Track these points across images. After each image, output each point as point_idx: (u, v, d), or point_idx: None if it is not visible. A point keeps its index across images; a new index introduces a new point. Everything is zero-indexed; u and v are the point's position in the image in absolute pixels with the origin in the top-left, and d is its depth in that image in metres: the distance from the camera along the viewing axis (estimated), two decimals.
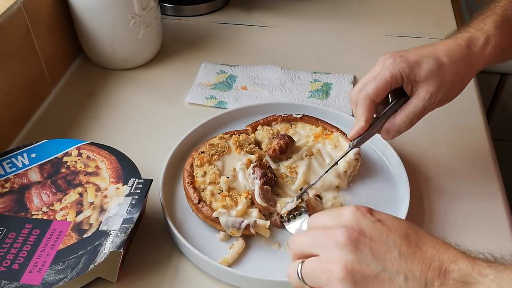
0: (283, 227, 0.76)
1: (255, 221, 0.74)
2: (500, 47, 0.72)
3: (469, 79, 0.73)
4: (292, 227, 0.75)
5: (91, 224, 0.71)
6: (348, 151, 0.77)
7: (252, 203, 0.76)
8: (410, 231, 0.52)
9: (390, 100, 0.75)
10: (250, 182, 0.79)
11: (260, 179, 0.78)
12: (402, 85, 0.72)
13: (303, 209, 0.76)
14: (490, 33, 0.72)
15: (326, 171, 0.78)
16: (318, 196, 0.79)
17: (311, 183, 0.78)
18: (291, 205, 0.75)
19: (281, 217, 0.75)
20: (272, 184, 0.79)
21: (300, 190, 0.79)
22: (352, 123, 0.92)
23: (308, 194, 0.78)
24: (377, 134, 0.76)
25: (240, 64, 1.11)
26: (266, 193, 0.76)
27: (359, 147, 0.83)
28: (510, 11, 0.75)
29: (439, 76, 0.69)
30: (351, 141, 0.75)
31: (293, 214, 0.76)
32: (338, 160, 0.78)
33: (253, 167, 0.80)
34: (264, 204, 0.75)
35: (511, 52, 0.77)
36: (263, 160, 0.82)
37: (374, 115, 0.74)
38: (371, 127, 0.74)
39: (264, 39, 1.22)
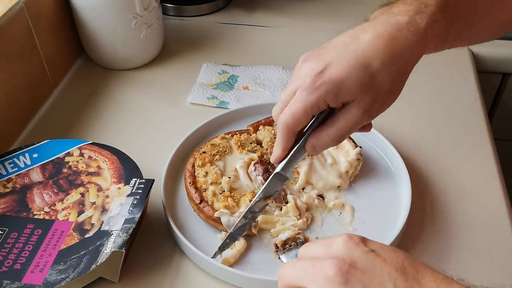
0: (278, 257, 0.73)
1: (257, 221, 0.74)
2: (441, 36, 0.61)
3: (407, 77, 0.61)
4: (286, 258, 0.71)
5: (92, 224, 0.71)
6: (271, 179, 0.65)
7: None
8: (407, 263, 0.46)
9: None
10: (252, 179, 0.79)
11: (262, 176, 0.78)
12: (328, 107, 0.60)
13: (300, 240, 0.73)
14: (433, 19, 0.59)
15: (251, 205, 0.67)
16: (321, 196, 0.79)
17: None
18: (287, 234, 0.73)
19: (277, 246, 0.73)
20: None
21: (302, 189, 0.79)
22: None
23: (308, 193, 0.77)
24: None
25: (242, 64, 1.11)
26: (260, 167, 0.76)
27: (361, 147, 0.83)
28: None
29: (372, 90, 0.58)
30: (275, 163, 0.66)
31: (290, 244, 0.73)
32: (263, 189, 0.66)
33: (254, 163, 0.80)
34: (279, 204, 0.75)
35: (452, 43, 0.66)
36: (264, 157, 0.82)
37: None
38: (296, 148, 0.64)
39: (266, 39, 1.22)
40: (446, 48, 0.66)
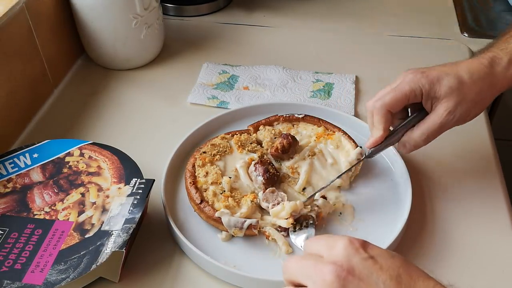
0: (288, 235, 0.74)
1: (257, 221, 0.74)
2: None
3: (491, 99, 0.73)
4: (296, 239, 0.73)
5: (93, 224, 0.72)
6: (362, 160, 0.78)
7: (258, 207, 0.77)
8: (402, 271, 0.48)
9: (409, 115, 0.75)
10: (253, 179, 0.79)
11: (262, 176, 0.78)
12: (422, 101, 0.72)
13: (311, 221, 0.74)
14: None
15: (338, 177, 0.79)
16: (324, 197, 0.79)
17: (320, 188, 0.78)
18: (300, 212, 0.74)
19: (284, 229, 0.74)
20: (275, 180, 0.79)
21: (303, 190, 0.79)
22: (354, 123, 0.93)
23: (317, 199, 0.77)
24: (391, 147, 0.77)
25: (242, 64, 1.11)
26: (271, 195, 0.76)
27: (361, 147, 0.83)
28: None
29: (459, 94, 0.69)
30: (369, 149, 0.76)
31: (301, 223, 0.74)
32: (352, 167, 0.79)
33: (255, 164, 0.80)
34: (271, 209, 0.75)
35: None
36: (265, 157, 0.82)
37: (391, 128, 0.75)
38: (388, 138, 0.75)
39: (266, 39, 1.22)
40: None
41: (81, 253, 0.68)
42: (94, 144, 0.83)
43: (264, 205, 0.76)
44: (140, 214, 0.71)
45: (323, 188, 0.78)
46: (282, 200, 0.76)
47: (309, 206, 0.75)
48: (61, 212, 0.74)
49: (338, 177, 0.79)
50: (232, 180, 0.79)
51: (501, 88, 0.72)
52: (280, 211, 0.74)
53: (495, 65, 0.71)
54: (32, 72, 0.98)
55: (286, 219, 0.73)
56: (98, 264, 0.66)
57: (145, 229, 0.78)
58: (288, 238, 0.74)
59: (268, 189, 0.77)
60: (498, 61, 0.71)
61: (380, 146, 0.75)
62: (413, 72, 0.72)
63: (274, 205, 0.75)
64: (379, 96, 0.73)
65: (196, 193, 0.77)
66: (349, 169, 0.80)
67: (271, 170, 0.79)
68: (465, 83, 0.70)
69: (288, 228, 0.74)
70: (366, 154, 0.78)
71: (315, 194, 0.78)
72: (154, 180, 0.77)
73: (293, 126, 0.90)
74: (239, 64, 1.11)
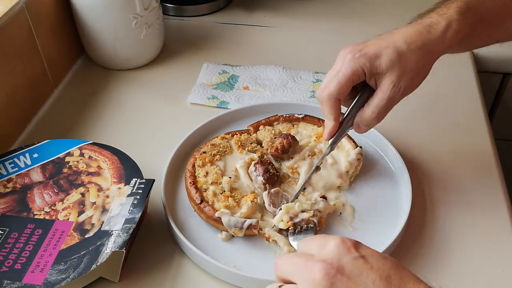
0: (287, 236, 0.74)
1: (258, 221, 0.74)
2: (462, 33, 0.71)
3: (431, 65, 0.72)
4: (294, 241, 0.72)
5: (93, 224, 0.72)
6: (328, 153, 0.77)
7: (258, 207, 0.77)
8: (393, 272, 0.48)
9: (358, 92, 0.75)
10: (253, 179, 0.79)
11: (262, 176, 0.78)
12: (365, 80, 0.72)
13: (312, 225, 0.73)
14: (452, 18, 0.70)
15: (308, 176, 0.79)
16: (324, 197, 0.79)
17: (299, 189, 0.78)
18: (301, 216, 0.74)
19: (284, 230, 0.74)
20: (274, 180, 0.79)
21: (303, 190, 0.79)
22: None
23: (319, 204, 0.77)
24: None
25: (242, 64, 1.11)
26: (276, 197, 0.76)
27: (361, 147, 0.83)
28: None
29: (400, 66, 0.69)
30: (327, 141, 0.76)
31: (301, 226, 0.73)
32: (319, 164, 0.79)
33: (255, 164, 0.80)
34: (276, 211, 0.75)
35: (475, 41, 0.77)
36: (265, 157, 0.82)
37: (344, 112, 0.75)
38: (343, 124, 0.75)
39: (266, 39, 1.22)
40: (468, 48, 0.79)
41: (81, 253, 0.68)
42: (94, 144, 0.83)
43: (270, 209, 0.76)
44: (140, 214, 0.71)
45: (300, 190, 0.78)
46: (286, 202, 0.75)
47: (311, 211, 0.74)
48: (61, 212, 0.74)
49: (307, 176, 0.79)
50: (232, 180, 0.79)
51: (439, 53, 0.72)
52: (281, 218, 0.74)
53: (432, 31, 0.70)
54: (32, 72, 0.98)
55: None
56: (98, 264, 0.66)
57: (145, 229, 0.78)
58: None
59: (272, 190, 0.76)
60: (435, 26, 0.70)
61: (338, 133, 0.75)
62: (351, 50, 0.71)
63: (281, 209, 0.75)
64: (325, 85, 0.72)
65: (196, 193, 0.77)
66: (317, 168, 0.79)
67: (271, 170, 0.79)
68: (404, 54, 0.69)
69: (288, 230, 0.74)
70: (328, 148, 0.76)
71: (299, 192, 0.78)
72: (154, 180, 0.77)
73: (293, 126, 0.90)
74: (239, 64, 1.11)
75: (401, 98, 0.72)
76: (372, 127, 0.74)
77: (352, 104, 0.74)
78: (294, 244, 0.72)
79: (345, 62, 0.71)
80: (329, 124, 0.74)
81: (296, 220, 0.73)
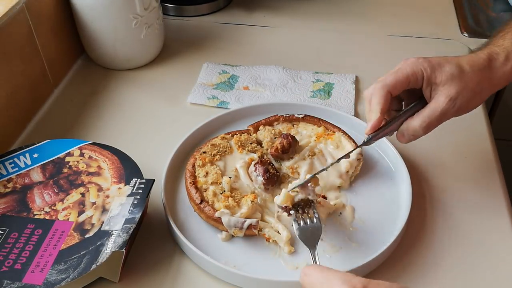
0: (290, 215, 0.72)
1: (258, 221, 0.74)
2: None
3: (489, 93, 0.72)
4: (297, 228, 0.70)
5: (93, 224, 0.72)
6: (361, 145, 0.75)
7: (258, 207, 0.77)
8: None
9: (403, 108, 0.74)
10: (253, 179, 0.79)
11: (262, 176, 0.78)
12: (422, 87, 0.71)
13: (313, 204, 0.71)
14: (510, 50, 0.71)
15: (338, 160, 0.76)
16: (324, 197, 0.79)
17: (314, 173, 0.75)
18: (299, 196, 0.72)
19: (285, 209, 0.72)
20: (274, 180, 0.79)
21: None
22: (354, 123, 0.92)
23: (314, 193, 0.76)
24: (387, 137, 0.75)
25: (242, 64, 1.11)
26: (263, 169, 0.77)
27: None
28: None
29: (460, 82, 0.69)
30: (367, 135, 0.73)
31: (302, 205, 0.71)
32: (350, 152, 0.77)
33: (255, 164, 0.80)
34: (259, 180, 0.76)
35: None
36: (265, 157, 0.82)
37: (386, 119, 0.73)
38: (386, 126, 0.73)
39: (266, 39, 1.22)
40: None
41: (81, 253, 0.68)
42: (94, 144, 0.83)
43: (253, 174, 0.77)
44: (140, 214, 0.71)
45: (316, 173, 0.74)
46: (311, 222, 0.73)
47: (306, 189, 0.72)
48: (61, 212, 0.74)
49: (334, 163, 0.76)
50: (232, 180, 0.79)
51: (499, 83, 0.72)
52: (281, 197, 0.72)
53: (493, 60, 0.71)
54: (32, 72, 0.98)
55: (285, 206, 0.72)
56: (98, 264, 0.66)
57: (145, 229, 0.78)
58: (291, 228, 0.73)
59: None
60: (495, 56, 0.71)
61: (377, 133, 0.72)
62: (415, 57, 0.71)
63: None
64: (381, 79, 0.71)
65: (196, 193, 0.77)
66: (347, 155, 0.76)
67: (271, 170, 0.79)
68: (466, 72, 0.69)
69: (288, 208, 0.71)
70: (364, 141, 0.74)
71: (310, 178, 0.74)
72: (154, 180, 0.77)
73: (293, 126, 0.90)
74: (239, 64, 1.11)
75: (452, 116, 0.71)
76: (416, 139, 0.73)
77: (403, 111, 0.73)
78: (296, 231, 0.69)
79: (406, 63, 0.71)
80: (375, 116, 0.71)
81: (295, 199, 0.71)
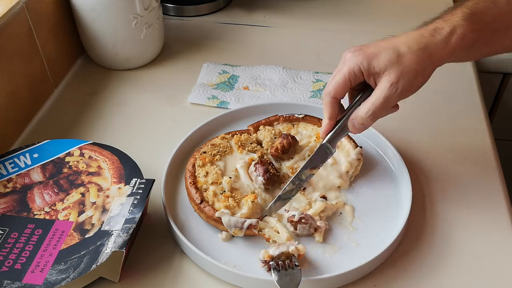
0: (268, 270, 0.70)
1: (258, 221, 0.74)
2: (466, 39, 0.70)
3: (432, 69, 0.71)
4: (278, 278, 0.67)
5: (93, 224, 0.72)
6: (318, 150, 0.75)
7: (259, 207, 0.77)
8: None
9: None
10: (253, 179, 0.79)
11: (262, 176, 0.78)
12: (364, 80, 0.71)
13: (294, 258, 0.70)
14: (456, 24, 0.70)
15: (298, 173, 0.76)
16: (324, 197, 0.79)
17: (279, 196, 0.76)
18: (280, 250, 0.70)
19: (265, 262, 0.70)
20: (275, 180, 0.79)
21: (303, 189, 0.79)
22: None
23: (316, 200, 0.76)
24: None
25: (242, 64, 1.11)
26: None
27: (361, 147, 0.83)
28: (482, 5, 0.72)
29: (399, 66, 0.68)
30: (321, 139, 0.75)
31: (282, 259, 0.70)
32: (309, 160, 0.76)
33: (255, 164, 0.80)
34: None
35: (482, 48, 0.75)
36: (265, 157, 0.82)
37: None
38: (339, 123, 0.74)
39: (266, 39, 1.22)
40: (474, 55, 0.77)
41: (81, 253, 0.68)
42: (94, 144, 0.83)
43: (253, 174, 0.78)
44: (140, 214, 0.71)
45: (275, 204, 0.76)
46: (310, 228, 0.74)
47: (290, 242, 0.72)
48: (61, 212, 0.74)
49: (298, 173, 0.76)
50: (232, 180, 0.79)
51: (441, 58, 0.70)
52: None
53: (435, 35, 0.70)
54: (32, 72, 0.98)
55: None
56: (98, 264, 0.66)
57: (145, 229, 0.78)
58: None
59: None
60: (439, 31, 0.70)
61: (333, 133, 0.74)
62: (351, 51, 0.71)
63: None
64: (327, 84, 0.73)
65: (196, 193, 0.77)
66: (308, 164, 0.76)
67: (271, 170, 0.79)
68: (403, 55, 0.68)
69: (268, 262, 0.70)
70: (324, 142, 0.74)
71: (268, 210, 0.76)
72: (154, 180, 0.77)
73: (293, 126, 0.90)
74: (239, 64, 1.11)
75: (398, 100, 0.71)
76: (366, 127, 0.72)
77: (351, 104, 0.74)
78: (275, 278, 0.68)
79: (344, 62, 0.72)
80: (324, 122, 0.74)
81: (276, 252, 0.70)
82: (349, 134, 0.86)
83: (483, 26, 0.71)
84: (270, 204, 0.76)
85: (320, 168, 0.79)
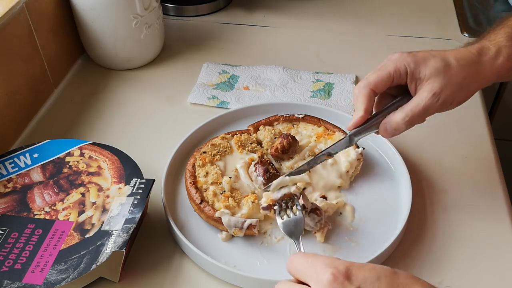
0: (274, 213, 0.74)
1: (258, 221, 0.74)
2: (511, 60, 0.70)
3: (477, 87, 0.71)
4: (283, 225, 0.71)
5: (93, 224, 0.72)
6: (342, 140, 0.75)
7: (258, 208, 0.77)
8: None
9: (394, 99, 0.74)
10: (253, 179, 0.79)
11: (262, 176, 0.78)
12: (406, 82, 0.70)
13: (296, 198, 0.73)
14: (501, 44, 0.70)
15: (317, 155, 0.77)
16: (324, 197, 0.79)
17: (298, 168, 0.77)
18: (282, 192, 0.73)
19: (268, 207, 0.73)
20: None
21: (303, 189, 0.79)
22: None
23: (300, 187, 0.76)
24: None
25: (242, 64, 1.11)
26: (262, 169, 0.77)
27: (364, 148, 0.83)
28: None
29: (445, 76, 0.68)
30: (349, 130, 0.73)
31: (285, 200, 0.73)
32: (331, 146, 0.76)
33: (255, 164, 0.80)
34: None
35: None
36: (265, 158, 0.82)
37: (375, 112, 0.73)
38: (370, 121, 0.72)
39: (266, 39, 1.22)
40: None
41: (81, 253, 0.68)
42: (94, 144, 0.83)
43: (253, 174, 0.78)
44: (140, 214, 0.71)
45: (300, 168, 0.77)
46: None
47: (290, 183, 0.75)
48: (61, 212, 0.74)
49: (315, 156, 0.77)
50: (232, 180, 0.79)
51: (487, 78, 0.71)
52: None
53: (483, 54, 0.70)
54: (32, 72, 0.98)
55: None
56: (98, 264, 0.66)
57: (145, 229, 0.78)
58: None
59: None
60: (486, 51, 0.70)
61: (361, 128, 0.72)
62: (400, 52, 0.71)
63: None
64: (365, 77, 0.72)
65: (196, 193, 0.77)
66: (327, 151, 0.76)
67: (271, 170, 0.79)
68: (451, 66, 0.68)
69: (271, 206, 0.73)
70: (347, 135, 0.74)
71: (296, 172, 0.77)
72: (154, 180, 0.77)
73: (293, 126, 0.90)
74: (239, 64, 1.11)
75: (437, 111, 0.70)
76: (398, 133, 0.71)
77: (386, 105, 0.73)
78: (281, 227, 0.71)
79: (390, 59, 0.71)
80: (357, 114, 0.71)
81: (278, 195, 0.73)
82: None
83: None
84: (277, 180, 0.75)
85: (320, 168, 0.79)
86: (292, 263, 0.53)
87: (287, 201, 0.73)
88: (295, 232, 0.70)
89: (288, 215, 0.71)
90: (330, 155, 0.76)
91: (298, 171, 0.76)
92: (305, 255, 0.53)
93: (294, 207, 0.72)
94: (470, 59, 0.69)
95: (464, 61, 0.69)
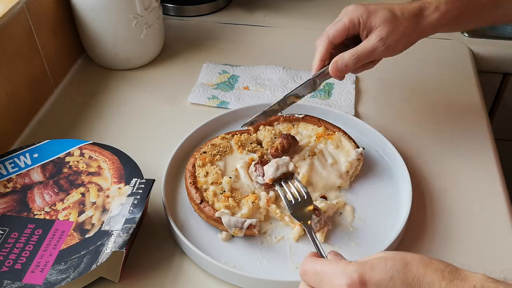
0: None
1: (258, 221, 0.74)
2: (449, 15, 0.79)
3: (417, 37, 0.81)
4: (292, 208, 0.73)
5: (93, 224, 0.72)
6: (307, 81, 0.82)
7: (258, 208, 0.77)
8: None
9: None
10: (253, 179, 0.79)
11: (262, 176, 0.78)
12: (359, 32, 0.79)
13: (294, 174, 0.76)
14: (441, 1, 0.79)
15: (286, 95, 0.83)
16: (324, 197, 0.79)
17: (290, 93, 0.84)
18: (280, 171, 0.77)
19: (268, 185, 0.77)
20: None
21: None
22: (354, 123, 0.93)
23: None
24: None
25: (242, 64, 1.11)
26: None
27: (364, 148, 0.83)
28: None
29: (391, 25, 0.77)
30: (312, 75, 0.82)
31: (284, 179, 0.77)
32: (298, 88, 0.83)
33: (255, 164, 0.80)
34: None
35: (468, 21, 0.83)
36: (265, 158, 0.82)
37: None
38: (327, 66, 0.80)
39: (266, 39, 1.22)
40: (464, 26, 0.85)
41: (81, 253, 0.68)
42: (94, 144, 0.83)
43: (253, 174, 0.79)
44: (140, 214, 0.71)
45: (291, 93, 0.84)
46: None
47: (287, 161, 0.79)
48: (61, 212, 0.74)
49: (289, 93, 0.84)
50: (233, 180, 0.79)
51: (425, 30, 0.80)
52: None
53: (424, 9, 0.79)
54: (33, 72, 0.98)
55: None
56: (98, 264, 0.66)
57: (145, 229, 0.78)
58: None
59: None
60: (426, 6, 0.80)
61: (322, 73, 0.81)
62: (354, 4, 0.80)
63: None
64: (325, 31, 0.81)
65: (196, 193, 0.77)
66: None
67: None
68: (397, 17, 0.78)
69: (269, 185, 0.77)
70: (313, 77, 0.82)
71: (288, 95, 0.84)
72: (154, 180, 0.77)
73: (293, 126, 0.90)
74: (239, 64, 1.11)
75: (380, 55, 0.79)
76: (347, 71, 0.79)
77: (341, 53, 0.80)
78: (290, 211, 0.73)
79: (346, 11, 0.80)
80: (315, 62, 0.81)
81: (277, 174, 0.77)
82: (350, 135, 0.87)
83: (468, 2, 0.80)
84: (254, 116, 0.83)
85: (320, 168, 0.79)
86: (306, 275, 0.53)
87: (286, 179, 0.76)
88: (307, 215, 0.71)
89: (292, 194, 0.74)
90: (298, 96, 0.84)
91: (271, 111, 0.84)
92: (317, 264, 0.53)
93: (297, 186, 0.75)
94: (412, 13, 0.79)
95: (408, 14, 0.79)
